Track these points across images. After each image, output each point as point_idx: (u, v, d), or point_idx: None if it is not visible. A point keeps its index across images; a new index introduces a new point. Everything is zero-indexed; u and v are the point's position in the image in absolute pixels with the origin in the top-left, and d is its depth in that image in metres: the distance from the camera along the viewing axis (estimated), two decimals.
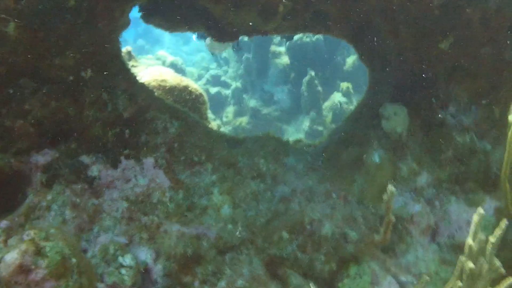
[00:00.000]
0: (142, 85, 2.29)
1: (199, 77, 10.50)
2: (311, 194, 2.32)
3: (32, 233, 1.52)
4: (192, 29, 2.80)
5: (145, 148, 2.12)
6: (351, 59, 8.64)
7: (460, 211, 2.49)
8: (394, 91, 2.65)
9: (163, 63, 9.07)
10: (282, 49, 8.49)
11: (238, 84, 8.98)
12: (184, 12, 2.67)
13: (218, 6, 2.27)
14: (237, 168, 2.27)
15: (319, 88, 7.71)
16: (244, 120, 8.40)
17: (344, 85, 7.79)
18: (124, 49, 4.12)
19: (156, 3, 2.64)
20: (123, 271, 1.82)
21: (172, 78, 3.33)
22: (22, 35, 1.81)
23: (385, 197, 1.97)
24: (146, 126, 2.15)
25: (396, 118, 2.50)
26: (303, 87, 7.73)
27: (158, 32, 15.76)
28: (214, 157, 2.25)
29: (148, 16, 2.72)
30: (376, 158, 2.52)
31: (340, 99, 7.69)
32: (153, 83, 3.26)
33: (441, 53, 2.44)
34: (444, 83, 2.52)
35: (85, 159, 2.02)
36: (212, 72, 10.31)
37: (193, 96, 3.38)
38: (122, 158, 2.08)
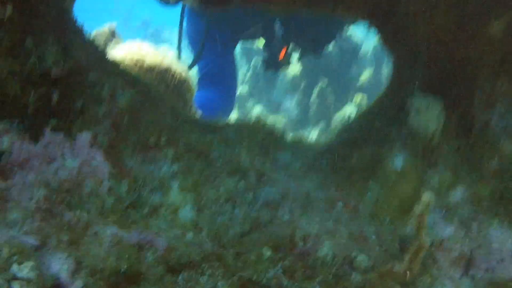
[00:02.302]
0: (89, 40, 1.71)
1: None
2: (308, 200, 1.72)
3: None
4: None
5: (80, 119, 1.53)
6: (368, 72, 8.13)
7: (504, 237, 1.88)
8: (425, 81, 2.06)
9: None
10: (294, 55, 7.98)
11: (244, 88, 8.41)
12: None
13: None
14: (209, 158, 1.67)
15: (331, 98, 7.17)
16: None
17: (358, 97, 7.23)
18: (107, 25, 3.58)
19: None
20: (15, 286, 1.22)
21: (152, 56, 2.75)
22: None
23: (417, 209, 1.37)
24: (86, 91, 1.56)
25: (428, 113, 1.91)
26: (313, 96, 7.19)
27: (168, 35, 15.36)
28: (178, 141, 1.65)
29: None
30: (398, 163, 1.93)
31: (353, 111, 7.14)
32: (130, 60, 2.69)
33: (490, 39, 1.86)
34: (491, 76, 1.94)
35: None
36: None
37: (176, 79, 2.80)
38: (46, 129, 1.49)
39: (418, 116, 1.94)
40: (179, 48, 4.20)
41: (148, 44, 2.96)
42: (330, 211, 1.69)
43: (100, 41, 3.47)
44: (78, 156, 1.50)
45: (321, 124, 7.04)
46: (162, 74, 2.75)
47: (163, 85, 2.73)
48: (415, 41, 2.08)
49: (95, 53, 1.67)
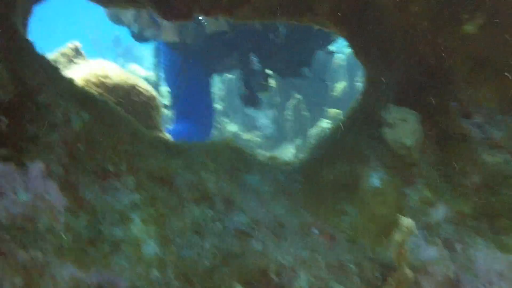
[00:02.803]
0: (41, 60, 1.57)
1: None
2: (281, 228, 1.60)
3: None
4: (134, 2, 2.10)
5: (31, 147, 1.39)
6: (341, 85, 8.08)
7: (490, 258, 1.77)
8: (399, 92, 1.95)
9: None
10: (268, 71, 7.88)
11: (219, 106, 8.27)
12: None
13: None
14: (174, 185, 1.54)
15: (306, 113, 7.08)
16: None
17: (332, 111, 7.15)
18: (71, 44, 3.43)
19: None
20: None
21: (116, 74, 2.62)
22: None
23: (396, 237, 1.26)
24: (37, 115, 1.42)
25: (404, 126, 1.80)
26: (288, 112, 7.10)
27: (139, 52, 15.20)
28: (140, 168, 1.52)
29: None
30: (375, 181, 1.81)
31: (328, 125, 7.05)
32: (92, 79, 2.56)
33: (465, 40, 1.76)
34: (466, 81, 1.84)
35: None
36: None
37: (143, 98, 2.67)
38: None
39: (393, 130, 1.83)
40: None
41: (111, 63, 2.83)
42: (305, 238, 1.58)
43: (63, 60, 3.33)
44: (30, 189, 1.36)
45: (297, 141, 6.95)
46: (128, 93, 2.63)
47: (128, 104, 2.60)
48: (388, 49, 1.99)
49: (48, 73, 1.54)
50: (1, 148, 1.36)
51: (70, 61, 3.27)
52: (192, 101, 4.12)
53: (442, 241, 1.76)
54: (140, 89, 2.63)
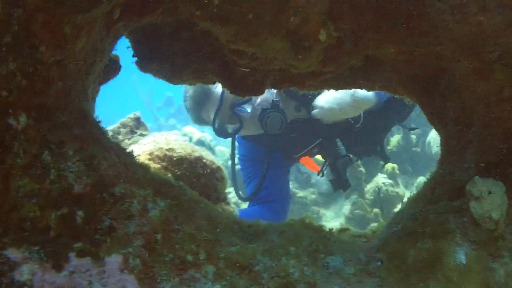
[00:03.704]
0: (113, 145, 1.54)
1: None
2: None
3: None
4: (201, 78, 2.09)
5: (108, 240, 1.35)
6: (396, 139, 7.94)
7: None
8: (480, 161, 1.84)
9: (190, 140, 8.41)
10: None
11: None
12: (190, 55, 1.97)
13: (226, 29, 1.52)
14: (254, 272, 1.47)
15: (361, 168, 6.95)
16: None
17: (389, 165, 7.00)
18: (132, 114, 3.45)
19: (153, 42, 1.95)
20: None
21: (181, 147, 2.60)
22: None
23: None
24: (112, 207, 1.38)
25: (491, 199, 1.68)
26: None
27: None
28: (218, 256, 1.45)
29: (144, 62, 2.03)
30: (461, 258, 1.70)
31: (385, 181, 6.89)
32: (157, 152, 2.54)
33: None
34: None
35: (11, 253, 1.27)
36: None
37: (208, 170, 2.63)
38: (70, 254, 1.31)
39: (480, 203, 1.72)
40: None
41: (174, 135, 2.82)
42: None
43: (124, 131, 3.35)
44: (108, 284, 1.31)
45: (353, 197, 6.81)
46: (193, 165, 2.60)
47: (194, 176, 2.57)
48: (466, 117, 1.89)
49: (122, 160, 1.50)
50: (76, 242, 1.32)
51: (132, 132, 3.29)
52: (274, 190, 4.10)
53: None
54: (205, 161, 2.59)
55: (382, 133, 4.29)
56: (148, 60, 2.02)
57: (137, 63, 2.05)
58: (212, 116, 3.69)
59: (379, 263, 1.75)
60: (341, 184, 4.13)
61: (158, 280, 1.36)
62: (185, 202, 1.53)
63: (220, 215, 1.64)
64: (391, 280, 1.67)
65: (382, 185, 6.76)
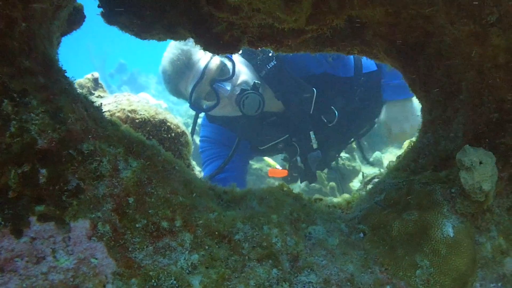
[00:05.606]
0: (81, 98, 1.38)
1: (185, 126, 9.62)
2: (353, 287, 1.40)
3: None
4: (172, 33, 1.92)
5: (75, 203, 1.20)
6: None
7: None
8: (469, 131, 1.76)
9: None
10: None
11: None
12: (162, 7, 1.81)
13: None
14: (234, 242, 1.34)
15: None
16: None
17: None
18: (89, 75, 3.25)
19: None
20: None
21: (144, 109, 2.44)
22: None
23: None
24: (80, 166, 1.23)
25: (482, 170, 1.60)
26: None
27: (144, 80, 15.05)
28: (196, 223, 1.32)
29: (111, 15, 1.85)
30: (448, 231, 1.62)
31: (342, 155, 6.85)
32: (118, 114, 2.37)
33: None
34: None
35: None
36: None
37: (172, 134, 2.48)
38: (31, 218, 1.15)
39: (471, 173, 1.63)
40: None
41: (137, 96, 2.65)
42: None
43: (83, 92, 3.15)
44: (74, 252, 1.17)
45: None
46: (157, 128, 2.44)
47: (157, 140, 2.42)
48: (455, 84, 1.80)
49: (91, 115, 1.34)
50: (39, 205, 1.17)
51: (90, 93, 3.10)
52: (234, 175, 4.05)
53: None
54: (170, 124, 2.44)
55: (353, 132, 4.36)
56: (115, 12, 1.84)
57: (103, 14, 1.86)
58: (190, 89, 3.57)
59: (361, 234, 1.66)
60: (308, 177, 4.09)
61: (130, 249, 1.22)
62: (159, 163, 1.38)
63: (196, 178, 1.50)
64: (376, 252, 1.58)
65: (340, 159, 6.72)
